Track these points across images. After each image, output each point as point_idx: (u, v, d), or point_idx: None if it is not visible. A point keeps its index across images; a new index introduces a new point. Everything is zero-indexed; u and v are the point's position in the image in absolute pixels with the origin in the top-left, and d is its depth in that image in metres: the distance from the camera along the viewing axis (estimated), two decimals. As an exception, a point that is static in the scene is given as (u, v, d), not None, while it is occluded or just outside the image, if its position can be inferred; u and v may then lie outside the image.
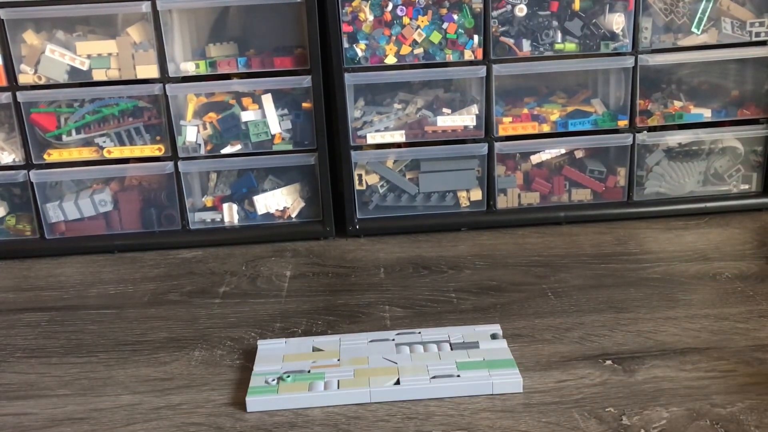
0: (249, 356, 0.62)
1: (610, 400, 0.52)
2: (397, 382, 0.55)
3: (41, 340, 0.67)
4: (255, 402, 0.54)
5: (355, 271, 0.80)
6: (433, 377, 0.55)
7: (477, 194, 0.90)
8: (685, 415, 0.51)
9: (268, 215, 0.90)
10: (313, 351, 0.60)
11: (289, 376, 0.56)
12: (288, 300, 0.73)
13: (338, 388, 0.55)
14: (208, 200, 0.91)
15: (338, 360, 0.59)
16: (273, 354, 0.60)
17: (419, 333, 0.62)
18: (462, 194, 0.90)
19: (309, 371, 0.57)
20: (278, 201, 0.90)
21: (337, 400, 0.55)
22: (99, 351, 0.65)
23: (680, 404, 0.52)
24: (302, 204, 0.91)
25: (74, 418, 0.55)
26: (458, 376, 0.55)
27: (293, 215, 0.91)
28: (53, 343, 0.67)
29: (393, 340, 0.61)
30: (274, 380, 0.56)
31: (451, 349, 0.59)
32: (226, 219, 0.90)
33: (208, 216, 0.90)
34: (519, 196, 0.91)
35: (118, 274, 0.82)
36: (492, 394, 0.54)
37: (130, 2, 0.82)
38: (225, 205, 0.90)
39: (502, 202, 0.91)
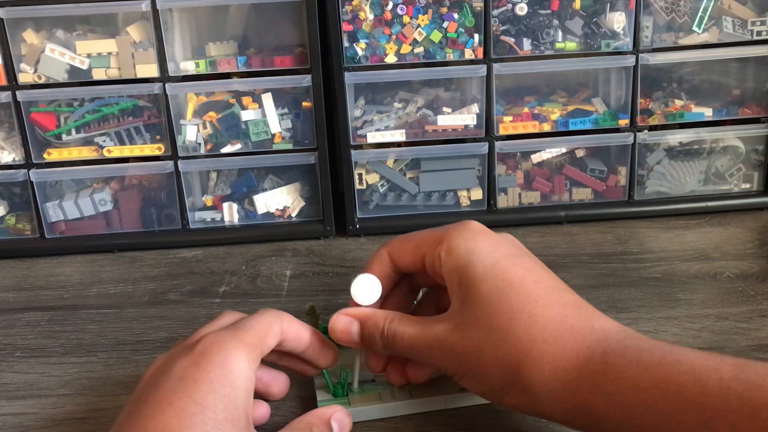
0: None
1: (611, 400, 0.52)
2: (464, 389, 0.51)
3: (41, 340, 0.67)
4: None
5: (355, 271, 0.79)
6: None
7: (477, 193, 0.90)
8: (686, 416, 0.51)
9: (268, 214, 0.90)
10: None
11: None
12: (288, 300, 0.73)
13: (412, 396, 0.51)
14: (208, 199, 0.91)
15: None
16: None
17: None
18: (462, 193, 0.90)
19: (374, 380, 0.53)
20: (278, 200, 0.90)
21: (409, 409, 0.50)
22: (99, 351, 0.65)
23: (681, 404, 0.52)
24: (302, 203, 0.91)
25: (74, 418, 0.55)
26: None
27: (293, 214, 0.91)
28: (53, 342, 0.67)
29: None
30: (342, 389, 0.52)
31: None
32: (226, 218, 0.90)
33: (208, 215, 0.90)
34: (519, 195, 0.91)
35: (118, 273, 0.82)
36: None
37: (130, 1, 0.81)
38: (225, 205, 0.90)
39: (502, 202, 0.91)
